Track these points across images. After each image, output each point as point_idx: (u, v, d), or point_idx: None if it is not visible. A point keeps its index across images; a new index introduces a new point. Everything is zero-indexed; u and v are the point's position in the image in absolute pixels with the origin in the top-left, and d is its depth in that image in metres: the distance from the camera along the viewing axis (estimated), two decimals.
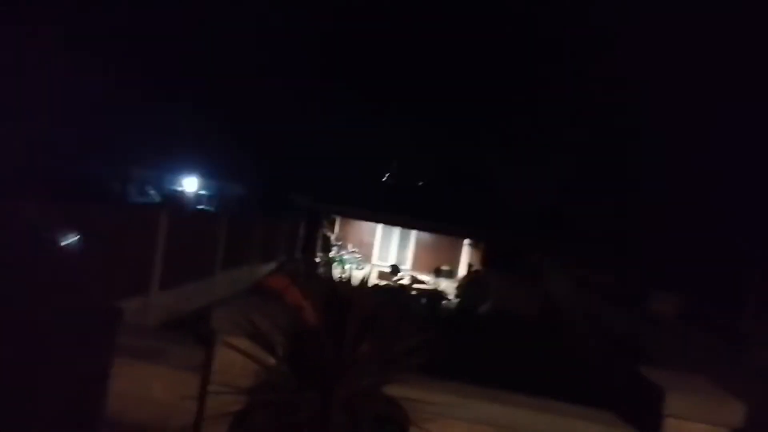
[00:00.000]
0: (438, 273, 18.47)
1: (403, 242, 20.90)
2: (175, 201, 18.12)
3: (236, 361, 2.53)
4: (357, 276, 2.91)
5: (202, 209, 18.14)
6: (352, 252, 18.79)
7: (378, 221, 19.84)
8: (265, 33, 19.42)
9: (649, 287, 7.81)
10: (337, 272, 13.44)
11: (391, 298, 11.07)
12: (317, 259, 15.76)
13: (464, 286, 14.45)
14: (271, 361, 2.53)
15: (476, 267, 16.88)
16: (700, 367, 5.16)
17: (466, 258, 19.74)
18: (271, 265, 12.34)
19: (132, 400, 2.79)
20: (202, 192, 20.91)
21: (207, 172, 20.45)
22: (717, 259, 8.22)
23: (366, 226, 20.65)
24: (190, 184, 20.16)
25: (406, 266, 19.68)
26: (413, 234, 20.60)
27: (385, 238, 20.99)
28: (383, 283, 14.43)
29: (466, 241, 19.85)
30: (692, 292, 7.69)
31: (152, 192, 18.66)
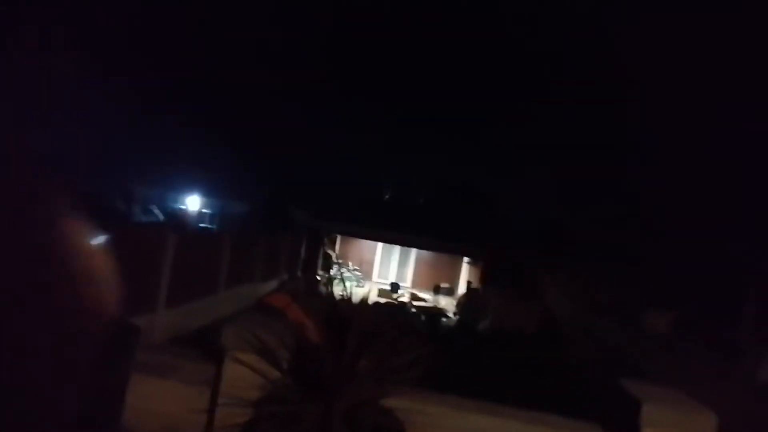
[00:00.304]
0: (437, 290, 18.59)
1: (403, 260, 21.07)
2: (180, 220, 18.37)
3: (244, 376, 2.71)
4: (357, 294, 3.11)
5: (205, 227, 18.37)
6: (353, 270, 18.95)
7: (378, 239, 20.07)
8: (266, 50, 19.87)
9: (645, 304, 7.96)
10: (337, 290, 13.57)
11: (390, 315, 11.22)
12: (318, 277, 15.92)
13: (463, 304, 14.58)
14: (277, 374, 2.72)
15: (475, 284, 17.02)
16: (694, 381, 5.32)
17: (465, 275, 19.88)
18: (273, 283, 12.51)
19: (144, 414, 2.97)
20: (205, 210, 21.17)
21: (209, 191, 20.73)
22: (715, 273, 8.32)
23: (366, 244, 20.85)
24: (192, 203, 20.42)
25: (406, 284, 19.81)
26: (413, 252, 20.79)
27: (386, 256, 21.17)
28: (383, 300, 14.57)
29: (466, 259, 20.02)
30: (690, 307, 7.83)
31: (156, 211, 18.91)
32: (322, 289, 13.74)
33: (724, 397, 4.99)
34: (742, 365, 5.26)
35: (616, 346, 7.41)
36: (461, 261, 20.39)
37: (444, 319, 13.56)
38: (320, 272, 17.06)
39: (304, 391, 2.67)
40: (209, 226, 19.68)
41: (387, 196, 20.06)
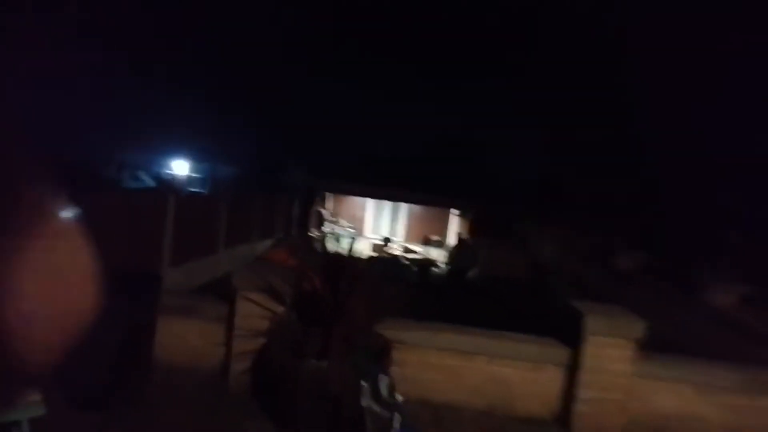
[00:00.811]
0: (428, 243, 19.27)
1: (394, 215, 21.61)
2: (169, 185, 18.56)
3: (254, 311, 3.22)
4: (350, 249, 3.55)
5: (195, 191, 18.57)
6: (346, 226, 19.50)
7: (369, 196, 20.50)
8: (251, 6, 19.41)
9: (619, 249, 8.65)
10: (331, 246, 14.13)
11: (383, 266, 11.83)
12: (312, 235, 16.45)
13: (453, 254, 15.25)
14: (282, 309, 3.22)
15: (464, 235, 17.68)
16: (658, 311, 5.99)
17: (455, 228, 20.53)
18: (269, 242, 13.02)
19: (172, 349, 3.49)
20: (194, 175, 21.23)
21: (197, 154, 20.72)
22: (681, 222, 9.08)
23: (358, 200, 21.29)
24: (180, 168, 20.42)
25: (398, 238, 20.45)
26: (404, 207, 21.29)
27: (377, 212, 21.68)
28: (376, 254, 15.20)
29: (455, 212, 20.60)
30: (659, 251, 8.54)
31: (144, 177, 19.03)
32: (317, 245, 14.30)
33: (675, 318, 5.68)
34: (697, 296, 5.91)
35: (593, 286, 8.10)
36: (451, 214, 20.98)
37: (434, 269, 14.25)
38: (313, 230, 17.58)
39: (305, 321, 3.18)
40: (200, 190, 19.87)
41: (376, 152, 20.30)
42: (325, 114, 21.17)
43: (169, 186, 17.43)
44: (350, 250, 3.75)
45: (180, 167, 20.64)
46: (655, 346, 3.40)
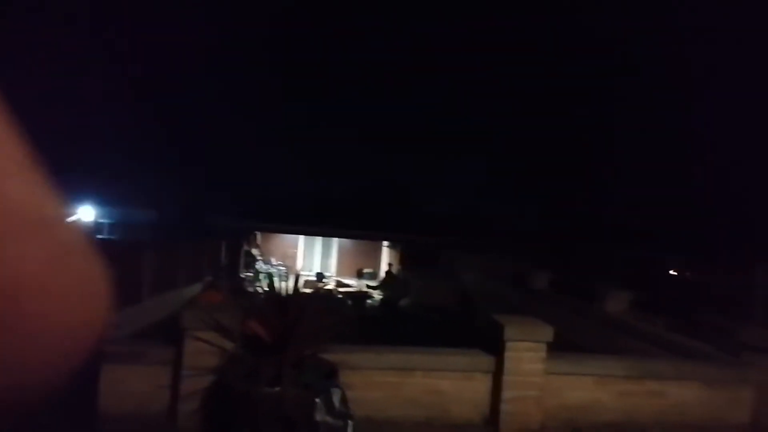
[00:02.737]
0: (361, 275, 19.61)
1: (325, 250, 21.76)
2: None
3: (204, 349, 3.35)
4: (283, 288, 3.75)
5: (104, 238, 17.37)
6: (277, 265, 19.28)
7: (299, 233, 20.54)
8: (173, 35, 19.13)
9: (530, 269, 9.74)
10: (263, 286, 14.02)
11: (318, 301, 11.93)
12: (243, 276, 16.11)
13: (384, 284, 15.73)
14: (231, 345, 3.38)
15: (396, 267, 18.29)
16: (564, 319, 6.76)
17: (387, 259, 21.11)
18: (197, 287, 12.61)
19: (117, 396, 3.47)
20: (103, 220, 19.84)
21: (106, 199, 19.40)
22: (580, 243, 10.49)
23: (288, 238, 21.21)
24: (85, 213, 19.01)
25: (331, 273, 20.56)
26: (335, 241, 21.55)
27: (308, 248, 21.71)
28: (310, 290, 15.20)
29: (386, 244, 21.23)
30: (563, 268, 9.73)
31: None
32: (247, 287, 14.05)
33: (576, 324, 6.51)
34: (596, 305, 6.84)
35: (511, 303, 8.96)
36: (381, 246, 21.57)
37: (369, 301, 14.58)
38: (244, 271, 17.21)
39: (255, 354, 3.36)
40: (108, 236, 18.64)
41: (303, 190, 20.53)
42: (250, 155, 21.14)
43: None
44: (285, 288, 3.97)
45: (86, 213, 19.13)
46: (562, 347, 4.01)
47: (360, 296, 14.47)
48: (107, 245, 8.41)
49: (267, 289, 3.98)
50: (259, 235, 20.86)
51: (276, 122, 23.53)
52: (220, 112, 21.80)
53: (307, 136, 23.09)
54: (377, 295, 15.90)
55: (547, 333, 3.74)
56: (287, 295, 3.59)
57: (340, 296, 14.47)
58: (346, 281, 18.26)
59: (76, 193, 18.38)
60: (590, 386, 3.91)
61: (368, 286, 16.83)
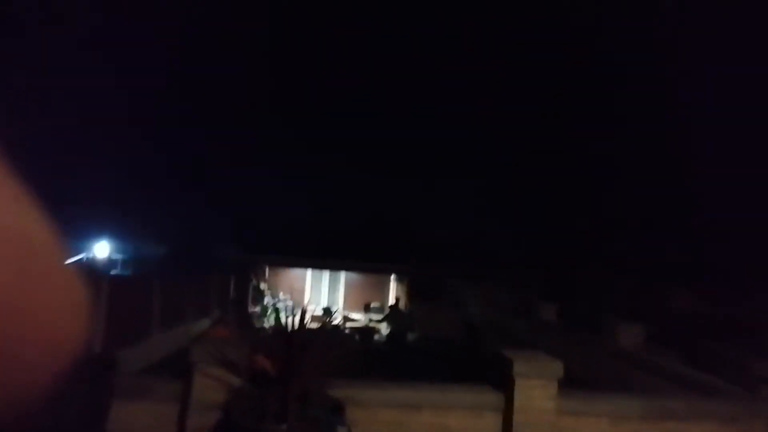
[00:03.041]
0: (368, 310, 19.41)
1: (333, 285, 21.65)
2: (95, 269, 17.49)
3: (211, 385, 3.35)
4: (290, 323, 3.75)
5: (118, 275, 17.55)
6: (284, 300, 19.18)
7: (306, 267, 20.53)
8: (176, 76, 19.77)
9: (538, 300, 9.60)
10: (270, 321, 13.96)
11: (325, 337, 11.81)
12: (251, 311, 16.04)
13: (391, 318, 15.57)
14: (238, 381, 3.38)
15: (402, 300, 18.13)
16: (573, 353, 6.64)
17: (393, 293, 20.93)
18: (206, 322, 12.59)
19: None
20: (117, 256, 20.12)
21: (120, 235, 19.71)
22: (589, 275, 10.42)
23: (296, 273, 21.18)
24: (101, 250, 19.29)
25: (339, 307, 20.39)
26: (342, 275, 21.47)
27: (316, 283, 21.62)
28: (317, 325, 15.05)
29: (393, 277, 21.11)
30: (572, 300, 9.59)
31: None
32: (256, 321, 13.98)
33: (585, 358, 6.37)
34: (606, 338, 6.71)
35: (518, 336, 8.79)
36: (389, 279, 21.44)
37: (376, 335, 14.39)
38: (251, 306, 17.15)
39: (261, 389, 3.35)
40: (122, 272, 18.80)
41: (311, 223, 20.67)
42: (258, 190, 21.46)
43: (90, 271, 16.45)
44: (291, 323, 3.98)
45: (101, 249, 19.48)
46: (572, 384, 3.94)
47: (367, 331, 14.29)
48: (117, 281, 8.50)
49: (273, 323, 3.99)
50: (267, 270, 20.88)
51: (284, 157, 23.96)
52: (231, 149, 22.30)
53: (313, 170, 23.45)
54: (384, 329, 15.70)
55: (558, 369, 3.69)
56: (293, 329, 3.60)
57: (347, 331, 14.32)
58: (353, 316, 18.09)
59: (91, 229, 18.68)
60: (605, 427, 3.81)
61: (375, 321, 16.66)
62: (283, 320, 4.87)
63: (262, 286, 19.43)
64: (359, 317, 18.09)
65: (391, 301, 19.82)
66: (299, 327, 3.68)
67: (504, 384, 3.74)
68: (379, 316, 18.45)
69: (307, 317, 3.95)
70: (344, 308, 20.39)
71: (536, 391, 3.66)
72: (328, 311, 17.66)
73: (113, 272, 18.07)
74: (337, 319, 17.05)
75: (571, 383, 3.89)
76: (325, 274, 21.39)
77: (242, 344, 3.77)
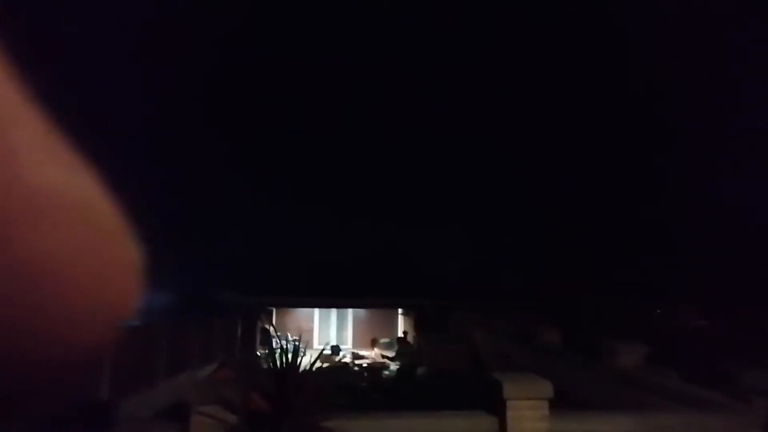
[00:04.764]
0: (377, 346, 19.23)
1: (341, 322, 21.55)
2: None
3: (208, 424, 3.44)
4: (298, 364, 3.84)
5: (124, 325, 17.52)
6: (292, 340, 19.07)
7: (313, 306, 20.53)
8: (178, 128, 20.36)
9: (540, 325, 9.63)
10: (278, 362, 13.86)
11: (333, 376, 11.74)
12: (258, 353, 15.99)
13: (399, 354, 15.44)
14: (234, 419, 3.47)
15: (410, 333, 18.01)
16: (575, 376, 6.62)
17: (401, 327, 20.78)
18: (212, 367, 12.57)
19: None
20: None
21: None
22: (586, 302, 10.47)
23: (303, 312, 21.15)
24: None
25: (348, 344, 20.23)
26: (350, 312, 21.40)
27: (324, 321, 21.54)
28: (325, 365, 14.94)
29: (400, 311, 21.01)
30: (574, 323, 9.61)
31: None
32: (262, 364, 13.93)
33: (586, 381, 6.36)
34: (606, 360, 6.70)
35: (519, 361, 8.76)
36: (396, 314, 21.32)
37: (386, 372, 14.24)
38: (259, 348, 17.09)
39: (256, 427, 3.44)
40: (132, 323, 18.87)
41: (316, 263, 20.80)
42: (262, 233, 21.75)
43: None
44: (298, 363, 4.08)
45: None
46: (572, 405, 3.98)
47: (376, 368, 14.16)
48: (123, 331, 8.58)
49: (271, 364, 4.09)
50: (274, 311, 20.89)
51: (288, 198, 24.37)
52: (236, 193, 22.74)
53: (317, 210, 23.77)
54: (394, 365, 15.53)
55: (547, 389, 3.75)
56: (288, 367, 3.71)
57: (356, 368, 14.20)
58: (362, 353, 17.93)
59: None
60: None
61: (384, 357, 16.51)
62: (278, 361, 4.97)
63: (270, 328, 19.40)
64: (369, 354, 17.94)
65: (399, 336, 19.68)
66: (292, 366, 3.79)
67: (496, 407, 3.80)
68: (389, 352, 18.26)
69: (315, 356, 4.06)
70: (354, 345, 20.24)
71: (527, 412, 3.71)
72: (336, 349, 17.54)
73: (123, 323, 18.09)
74: (345, 357, 16.90)
75: (571, 405, 3.93)
76: (333, 313, 21.35)
77: (240, 384, 3.89)
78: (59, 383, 0.23)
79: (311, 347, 20.04)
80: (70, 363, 0.23)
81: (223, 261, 19.81)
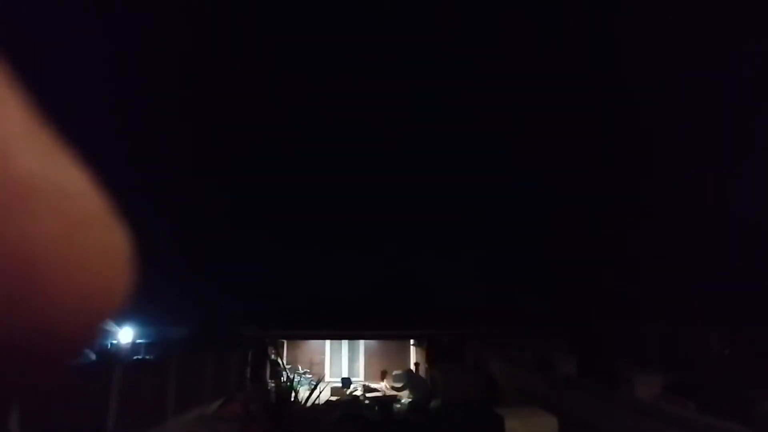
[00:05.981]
0: (386, 377, 18.86)
1: (352, 354, 21.26)
2: (118, 355, 17.63)
3: None
4: (310, 397, 3.80)
5: (141, 359, 17.67)
6: (303, 373, 18.82)
7: (325, 338, 20.33)
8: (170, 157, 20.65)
9: (556, 353, 9.37)
10: (289, 395, 13.68)
11: (343, 409, 11.52)
12: (268, 387, 15.78)
13: (411, 386, 15.11)
14: None
15: (421, 365, 17.66)
16: (590, 407, 6.41)
17: (413, 358, 20.40)
18: (222, 401, 12.44)
19: None
20: (139, 341, 20.34)
21: (142, 320, 20.05)
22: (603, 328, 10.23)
23: (314, 344, 20.95)
24: (125, 336, 19.61)
25: (359, 377, 19.88)
26: (361, 344, 21.14)
27: (335, 353, 21.27)
28: (336, 398, 14.68)
29: (411, 342, 20.68)
30: (591, 351, 9.34)
31: (86, 352, 18.00)
32: (272, 396, 13.72)
33: (601, 412, 6.13)
34: (623, 390, 6.49)
35: (534, 392, 8.50)
36: (408, 345, 20.98)
37: (397, 405, 13.91)
38: (270, 381, 16.88)
39: None
40: (146, 356, 18.89)
41: (326, 295, 20.71)
42: (271, 265, 21.81)
43: (113, 357, 16.62)
44: (307, 397, 4.06)
45: (125, 335, 19.81)
46: None
47: (387, 401, 13.84)
48: (131, 367, 8.65)
49: (288, 398, 4.05)
50: (285, 344, 20.72)
51: (298, 229, 24.47)
52: (245, 224, 22.95)
53: (325, 240, 23.81)
54: (406, 398, 15.18)
55: (551, 424, 3.65)
56: (283, 398, 3.67)
57: (367, 402, 13.90)
58: (373, 385, 17.57)
59: (116, 315, 19.00)
60: None
61: (395, 389, 16.17)
62: (301, 394, 4.92)
63: (281, 361, 19.21)
64: (380, 386, 17.57)
65: (413, 366, 19.31)
66: (286, 399, 3.75)
67: None
68: (400, 385, 17.88)
69: (326, 390, 4.02)
70: (366, 377, 19.90)
71: None
72: (347, 382, 17.24)
73: (135, 357, 18.18)
74: (356, 390, 16.56)
75: None
76: (345, 344, 21.10)
77: (241, 421, 3.86)
78: (42, 373, 0.22)
79: (323, 379, 19.77)
80: (53, 353, 0.22)
81: (234, 294, 19.86)
